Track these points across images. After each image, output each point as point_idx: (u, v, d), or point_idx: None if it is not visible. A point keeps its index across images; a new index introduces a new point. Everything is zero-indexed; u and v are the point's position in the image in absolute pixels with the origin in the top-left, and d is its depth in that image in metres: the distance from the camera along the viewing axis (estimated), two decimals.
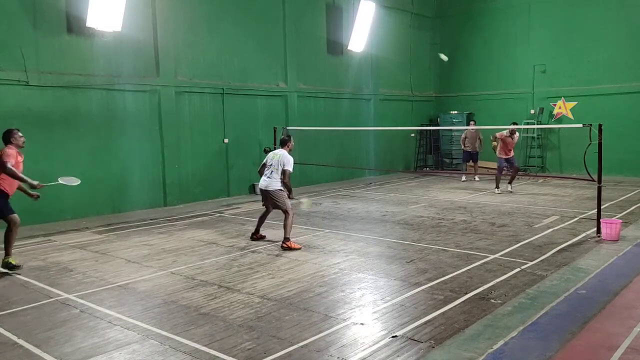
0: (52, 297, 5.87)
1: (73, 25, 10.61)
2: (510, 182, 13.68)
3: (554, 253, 7.34)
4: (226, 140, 13.47)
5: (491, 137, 13.66)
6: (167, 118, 12.15)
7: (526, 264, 6.81)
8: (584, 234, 8.45)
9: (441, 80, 20.55)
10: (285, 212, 7.99)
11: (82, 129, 10.81)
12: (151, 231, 9.48)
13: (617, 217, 9.70)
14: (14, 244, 7.12)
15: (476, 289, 5.83)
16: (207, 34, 12.97)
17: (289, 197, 8.17)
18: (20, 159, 6.90)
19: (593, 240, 8.05)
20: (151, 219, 10.62)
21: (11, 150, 6.75)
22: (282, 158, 8.04)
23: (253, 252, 7.79)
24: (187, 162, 12.64)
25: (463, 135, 15.90)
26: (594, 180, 8.34)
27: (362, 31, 16.68)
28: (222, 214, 11.15)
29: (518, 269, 6.56)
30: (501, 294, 5.66)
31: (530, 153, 17.79)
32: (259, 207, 11.79)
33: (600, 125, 8.17)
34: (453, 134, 19.04)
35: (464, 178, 16.29)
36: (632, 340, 4.34)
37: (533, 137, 17.79)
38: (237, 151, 13.74)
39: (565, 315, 4.95)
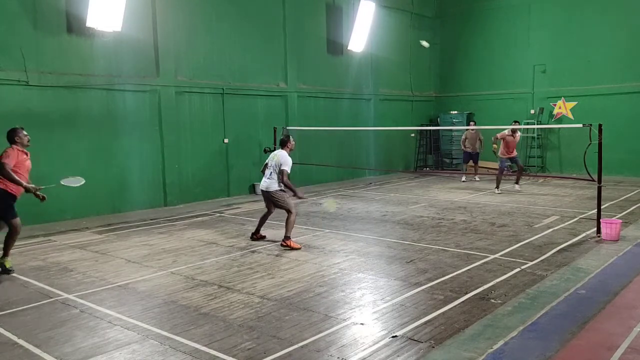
0: (52, 297, 5.87)
1: (73, 25, 10.61)
2: (517, 182, 13.61)
3: (554, 253, 7.34)
4: (226, 140, 13.47)
5: (492, 139, 13.64)
6: (167, 118, 12.15)
7: (526, 264, 6.81)
8: (584, 234, 8.45)
9: (441, 80, 20.55)
10: (288, 211, 7.99)
11: (82, 129, 10.82)
12: (151, 231, 9.48)
13: (617, 217, 9.70)
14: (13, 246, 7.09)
15: (476, 289, 5.83)
16: (207, 34, 12.97)
17: (299, 197, 8.10)
18: (23, 158, 6.81)
19: (593, 240, 8.05)
20: (151, 219, 10.62)
21: (12, 151, 6.68)
22: (279, 159, 8.03)
23: (253, 252, 7.79)
24: (187, 162, 12.64)
25: (463, 137, 15.89)
26: (594, 180, 8.34)
27: (362, 31, 16.68)
28: (222, 214, 11.15)
29: (518, 269, 6.56)
30: (501, 294, 5.66)
31: (530, 153, 17.79)
32: (259, 207, 11.81)
33: (600, 125, 8.17)
34: (453, 134, 19.04)
35: (463, 178, 16.29)
36: (632, 340, 4.34)
37: (533, 137, 17.79)
38: (237, 151, 13.74)
39: (565, 315, 4.95)
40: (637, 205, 11.12)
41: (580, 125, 8.97)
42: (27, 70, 9.95)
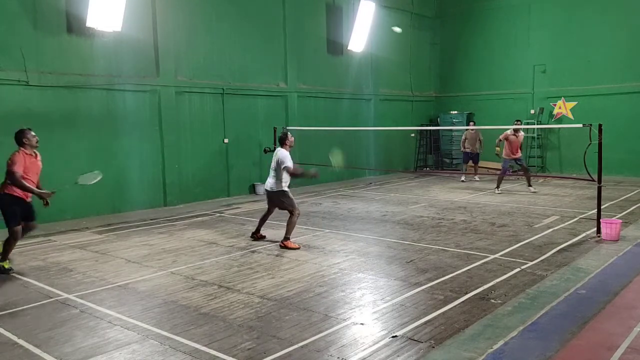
0: (52, 297, 5.87)
1: (73, 25, 10.61)
2: (529, 184, 13.46)
3: (554, 253, 7.34)
4: (226, 140, 13.47)
5: (496, 142, 13.62)
6: (167, 118, 12.15)
7: (526, 264, 6.81)
8: (584, 234, 8.45)
9: (441, 80, 20.55)
10: (291, 212, 7.98)
11: (82, 129, 10.82)
12: (151, 231, 9.48)
13: (617, 217, 9.70)
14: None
15: (476, 289, 5.83)
16: (207, 34, 12.97)
17: (314, 176, 7.99)
18: (32, 160, 6.71)
19: (593, 240, 8.05)
20: (151, 219, 10.62)
21: (19, 157, 6.56)
22: (279, 158, 8.01)
23: (253, 252, 7.79)
24: (187, 162, 12.64)
25: (463, 137, 15.89)
26: (594, 180, 8.34)
27: (362, 31, 16.68)
28: (222, 214, 11.15)
29: (518, 269, 6.56)
30: (501, 294, 5.66)
31: (530, 153, 17.79)
32: (259, 207, 11.81)
33: (600, 125, 8.17)
34: (453, 134, 19.04)
35: (463, 178, 16.28)
36: (632, 340, 4.34)
37: (533, 137, 17.79)
38: (237, 151, 13.74)
39: (565, 315, 4.95)
40: (637, 205, 11.12)
41: (580, 125, 8.97)
42: (27, 70, 9.95)
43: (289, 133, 8.34)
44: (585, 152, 8.23)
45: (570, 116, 17.00)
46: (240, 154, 13.84)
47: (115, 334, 4.78)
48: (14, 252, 7.11)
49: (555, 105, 17.35)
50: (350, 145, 17.07)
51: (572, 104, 17.02)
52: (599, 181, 8.21)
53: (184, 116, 12.56)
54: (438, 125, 19.44)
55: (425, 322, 4.90)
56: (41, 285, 6.34)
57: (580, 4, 16.84)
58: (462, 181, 16.05)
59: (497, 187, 13.49)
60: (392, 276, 6.40)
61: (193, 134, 12.77)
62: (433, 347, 4.36)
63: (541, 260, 6.96)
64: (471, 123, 16.99)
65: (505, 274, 6.38)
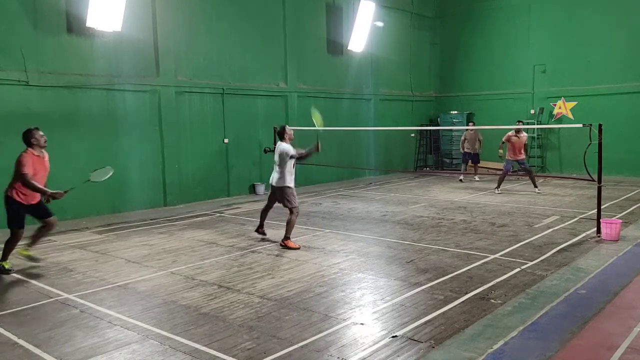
0: (52, 297, 5.87)
1: (73, 25, 10.61)
2: (535, 186, 13.39)
3: (554, 253, 7.34)
4: (226, 140, 13.47)
5: (499, 145, 13.62)
6: (167, 118, 12.15)
7: (526, 264, 6.80)
8: (584, 234, 8.45)
9: (441, 80, 20.55)
10: (291, 210, 7.98)
11: (82, 129, 10.82)
12: (151, 231, 9.48)
13: (617, 217, 9.70)
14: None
15: (476, 289, 5.83)
16: (207, 34, 12.97)
17: (317, 150, 7.91)
18: (39, 161, 6.67)
19: (593, 240, 8.05)
20: (151, 219, 10.62)
21: (27, 159, 6.50)
22: (281, 150, 8.00)
23: (253, 252, 7.79)
24: (187, 162, 12.64)
25: (462, 137, 15.88)
26: (594, 180, 8.34)
27: (362, 31, 16.68)
28: (222, 214, 11.15)
29: (518, 269, 6.56)
30: (501, 294, 5.66)
31: (530, 153, 17.78)
32: (259, 207, 11.75)
33: (600, 125, 8.17)
34: (453, 134, 19.05)
35: (461, 177, 16.25)
36: (632, 340, 4.34)
37: (533, 137, 17.79)
38: (237, 151, 13.74)
39: (565, 315, 4.95)
40: (637, 205, 11.12)
41: (580, 125, 8.97)
42: (27, 70, 9.96)
43: (286, 126, 8.28)
44: (585, 152, 8.23)
45: (570, 116, 17.01)
46: (240, 154, 13.84)
47: (115, 334, 4.78)
48: (14, 252, 7.10)
49: (555, 105, 17.35)
50: (350, 145, 17.09)
51: (572, 104, 17.03)
52: (599, 181, 8.21)
53: (184, 116, 12.56)
54: (438, 125, 19.45)
55: (425, 322, 4.90)
56: (41, 285, 6.34)
57: (580, 4, 16.84)
58: (460, 180, 16.04)
59: (498, 187, 13.49)
60: (392, 276, 6.40)
61: (193, 134, 12.78)
62: (433, 347, 4.36)
63: (541, 260, 6.96)
64: (470, 123, 16.99)
65: (505, 274, 6.38)
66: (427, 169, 19.82)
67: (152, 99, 11.96)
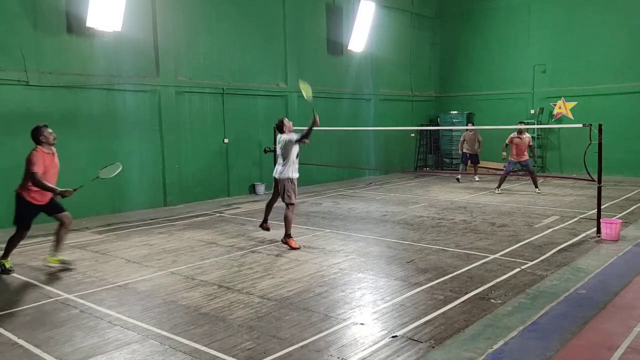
0: (52, 297, 5.87)
1: (73, 25, 10.62)
2: (536, 186, 13.37)
3: (554, 253, 7.34)
4: (226, 140, 13.47)
5: (503, 147, 13.63)
6: (167, 118, 12.16)
7: (526, 264, 6.81)
8: (584, 234, 8.45)
9: (441, 80, 20.56)
10: (287, 204, 7.96)
11: (82, 129, 10.82)
12: (151, 231, 9.48)
13: (617, 217, 9.70)
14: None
15: (476, 289, 5.83)
16: (207, 34, 12.98)
17: (316, 122, 7.68)
18: (49, 158, 6.60)
19: (593, 240, 8.05)
20: (151, 219, 10.62)
21: (37, 157, 6.43)
22: (283, 141, 7.95)
23: (253, 252, 7.79)
24: (187, 162, 12.64)
25: (462, 138, 15.86)
26: (594, 180, 8.34)
27: (362, 31, 16.69)
28: (222, 214, 11.15)
29: (518, 269, 6.56)
30: (501, 294, 5.66)
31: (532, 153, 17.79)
32: (259, 207, 11.81)
33: (600, 125, 8.17)
34: (453, 134, 19.05)
35: (459, 176, 16.21)
36: (632, 340, 4.34)
37: (533, 137, 17.75)
38: (237, 151, 13.74)
39: (565, 315, 4.95)
40: (637, 205, 11.12)
41: (580, 125, 8.98)
42: (27, 70, 9.96)
43: (284, 119, 8.21)
44: (585, 152, 8.23)
45: (570, 116, 17.01)
46: (240, 154, 13.84)
47: (115, 334, 4.78)
48: (14, 252, 7.11)
49: (555, 105, 17.36)
50: (350, 145, 17.09)
51: (572, 104, 17.03)
52: (599, 181, 8.21)
53: (184, 116, 12.56)
54: (438, 125, 19.45)
55: (425, 322, 4.90)
56: (41, 285, 6.34)
57: (580, 4, 16.84)
58: (457, 179, 16.00)
59: (498, 187, 13.49)
60: (392, 276, 6.40)
61: (193, 134, 12.78)
62: (433, 347, 4.36)
63: (541, 260, 6.96)
64: (469, 124, 16.98)
65: (505, 274, 6.38)
66: (427, 169, 19.82)
67: (152, 99, 11.96)
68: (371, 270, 6.70)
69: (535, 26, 17.77)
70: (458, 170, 17.91)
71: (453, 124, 18.92)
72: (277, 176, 8.11)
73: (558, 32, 17.28)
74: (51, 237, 8.91)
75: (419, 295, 5.68)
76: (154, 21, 11.87)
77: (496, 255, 7.26)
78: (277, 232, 8.65)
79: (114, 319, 5.15)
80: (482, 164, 16.67)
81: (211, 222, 10.31)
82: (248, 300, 5.60)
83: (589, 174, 8.46)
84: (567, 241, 8.02)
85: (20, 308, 5.56)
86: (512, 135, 13.29)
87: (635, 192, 13.13)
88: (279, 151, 8.08)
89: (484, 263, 6.89)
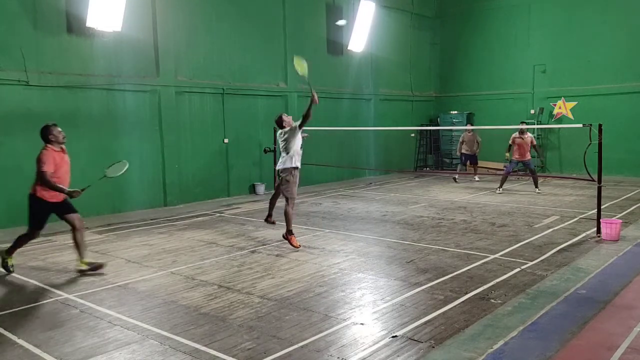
0: (52, 297, 5.87)
1: (73, 25, 10.61)
2: (536, 186, 13.39)
3: (554, 253, 7.34)
4: (226, 140, 13.47)
5: (506, 148, 13.64)
6: (167, 118, 12.15)
7: (526, 264, 6.81)
8: (584, 234, 8.45)
9: (441, 80, 20.56)
10: (287, 200, 7.91)
11: (82, 129, 10.81)
12: (151, 231, 9.48)
13: (617, 217, 9.70)
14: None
15: (476, 289, 5.83)
16: (207, 34, 12.98)
17: (314, 100, 7.73)
18: (60, 157, 6.53)
19: (593, 240, 8.05)
20: (151, 219, 10.62)
21: (47, 156, 6.38)
22: (284, 134, 7.90)
23: (253, 252, 7.79)
24: (187, 162, 12.64)
25: (460, 139, 15.83)
26: (594, 180, 8.34)
27: (362, 31, 16.69)
28: (222, 214, 11.15)
29: (518, 269, 6.56)
30: (501, 294, 5.66)
31: (531, 153, 17.76)
32: (259, 207, 11.82)
33: (600, 125, 8.17)
34: (453, 134, 19.04)
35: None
36: (632, 340, 4.34)
37: (533, 137, 17.78)
38: (237, 151, 13.74)
39: (565, 315, 4.95)
40: (637, 205, 11.12)
41: (580, 125, 8.98)
42: (27, 70, 9.96)
43: (283, 114, 8.19)
44: (585, 152, 8.23)
45: (570, 116, 17.00)
46: (240, 154, 13.84)
47: (115, 334, 4.78)
48: (14, 253, 7.10)
49: (555, 105, 17.35)
50: (350, 145, 17.10)
51: (572, 104, 17.02)
52: (599, 181, 8.21)
53: (184, 116, 12.56)
54: (438, 125, 19.45)
55: (425, 322, 4.90)
56: (41, 285, 6.34)
57: (580, 4, 16.84)
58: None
59: (500, 186, 13.51)
60: (392, 276, 6.40)
61: (193, 134, 12.78)
62: (433, 347, 4.36)
63: (541, 260, 6.96)
64: (468, 125, 16.98)
65: (505, 274, 6.38)
66: (427, 169, 19.82)
67: (152, 99, 11.96)
68: (371, 270, 6.70)
69: (535, 26, 17.77)
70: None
71: (453, 124, 18.91)
72: (279, 168, 8.02)
73: (558, 32, 17.28)
74: (51, 238, 8.95)
75: (419, 295, 5.68)
76: (154, 21, 11.87)
77: (496, 255, 7.26)
78: (278, 232, 8.65)
79: (114, 319, 5.15)
80: (483, 164, 16.67)
81: (211, 222, 10.31)
82: (248, 300, 5.60)
83: (589, 174, 8.46)
84: (567, 241, 8.02)
85: (20, 308, 5.56)
86: (514, 135, 13.31)
87: (635, 192, 13.13)
88: (281, 145, 8.01)
89: (484, 263, 6.89)
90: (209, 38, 13.02)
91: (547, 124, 17.41)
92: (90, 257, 7.06)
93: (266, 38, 14.33)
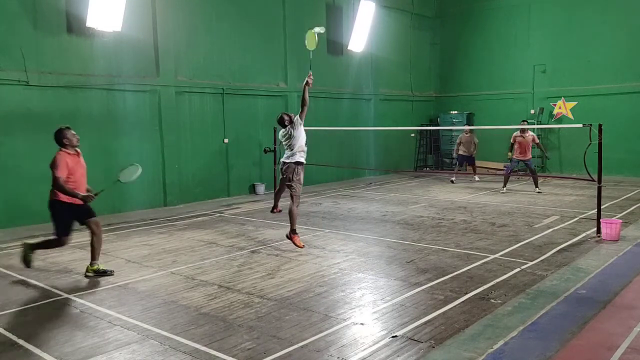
0: (52, 297, 5.87)
1: (73, 25, 10.61)
2: (536, 186, 13.39)
3: (554, 253, 7.34)
4: (226, 140, 13.47)
5: (509, 148, 13.65)
6: (167, 118, 12.15)
7: (526, 264, 6.81)
8: (584, 234, 8.45)
9: (441, 80, 20.55)
10: (292, 197, 7.84)
11: (82, 129, 10.69)
12: (151, 231, 9.48)
13: (617, 217, 9.70)
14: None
15: (476, 289, 5.83)
16: (207, 34, 12.97)
17: (308, 82, 7.71)
18: (75, 161, 6.45)
19: (593, 240, 8.05)
20: (151, 219, 10.62)
21: (61, 160, 6.28)
22: (287, 130, 7.83)
23: (253, 252, 7.79)
24: (187, 162, 12.64)
25: (458, 140, 15.80)
26: (594, 180, 8.35)
27: (362, 31, 16.69)
28: (222, 214, 11.15)
29: (518, 269, 6.56)
30: (501, 294, 5.66)
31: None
32: (259, 207, 11.83)
33: (600, 125, 8.17)
34: (453, 134, 19.02)
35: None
36: (632, 340, 4.34)
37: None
38: (237, 151, 13.74)
39: (565, 315, 4.95)
40: (637, 205, 11.12)
41: (580, 125, 8.98)
42: (27, 70, 9.95)
43: (284, 113, 8.10)
44: (585, 152, 8.24)
45: (570, 116, 17.00)
46: (240, 154, 13.84)
47: (115, 334, 4.78)
48: (14, 253, 7.10)
49: (555, 105, 17.35)
50: (350, 145, 17.09)
51: (572, 104, 17.02)
52: (599, 181, 8.21)
53: (184, 116, 12.56)
54: (438, 125, 19.45)
55: (425, 322, 4.90)
56: (41, 285, 6.34)
57: (580, 4, 16.84)
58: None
59: (504, 185, 13.55)
60: (392, 276, 6.40)
61: (193, 134, 12.77)
62: (433, 347, 4.36)
63: (541, 260, 6.96)
64: (466, 126, 16.97)
65: (505, 274, 6.38)
66: (427, 169, 19.82)
67: (152, 99, 11.96)
68: (371, 270, 6.70)
69: (535, 26, 17.77)
70: (458, 170, 17.91)
71: (453, 124, 18.91)
72: (286, 160, 7.87)
73: (558, 32, 17.28)
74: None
75: (419, 295, 5.68)
76: (154, 21, 11.86)
77: (496, 255, 7.26)
78: (277, 232, 8.65)
79: (114, 319, 5.15)
80: (483, 163, 16.66)
81: (211, 222, 10.31)
82: (248, 300, 5.61)
83: (589, 174, 8.46)
84: (567, 241, 8.02)
85: (20, 308, 5.56)
86: (515, 134, 13.32)
87: (635, 192, 13.13)
88: (284, 144, 7.92)
89: (484, 263, 6.89)
90: (209, 38, 13.01)
91: (547, 124, 17.41)
92: (101, 261, 6.92)
93: (266, 38, 14.33)
